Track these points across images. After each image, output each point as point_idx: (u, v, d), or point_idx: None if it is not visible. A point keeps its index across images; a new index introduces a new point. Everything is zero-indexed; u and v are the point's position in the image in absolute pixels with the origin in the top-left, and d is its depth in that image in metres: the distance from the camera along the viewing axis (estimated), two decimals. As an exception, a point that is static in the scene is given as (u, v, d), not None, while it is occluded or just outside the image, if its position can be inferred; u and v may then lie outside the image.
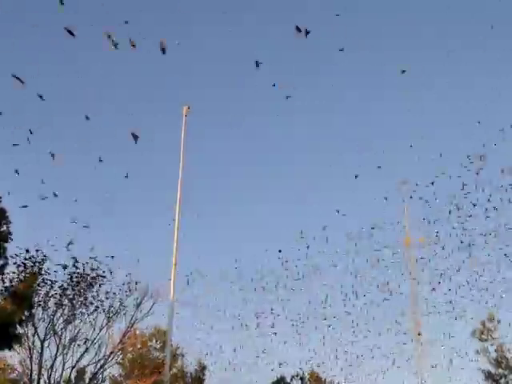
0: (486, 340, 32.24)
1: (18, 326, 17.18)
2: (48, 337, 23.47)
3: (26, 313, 19.59)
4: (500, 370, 32.13)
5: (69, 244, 22.10)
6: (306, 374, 45.45)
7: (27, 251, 22.69)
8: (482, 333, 32.15)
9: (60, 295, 23.86)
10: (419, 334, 37.25)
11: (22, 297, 17.15)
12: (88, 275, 24.28)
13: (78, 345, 24.18)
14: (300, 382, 45.46)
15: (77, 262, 23.92)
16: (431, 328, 37.04)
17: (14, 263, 22.08)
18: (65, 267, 23.69)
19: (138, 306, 25.30)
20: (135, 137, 16.07)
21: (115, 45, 13.69)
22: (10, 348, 17.42)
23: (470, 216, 30.46)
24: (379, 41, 58.65)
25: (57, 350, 23.48)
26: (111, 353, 24.96)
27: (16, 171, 19.91)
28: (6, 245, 16.85)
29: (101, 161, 20.73)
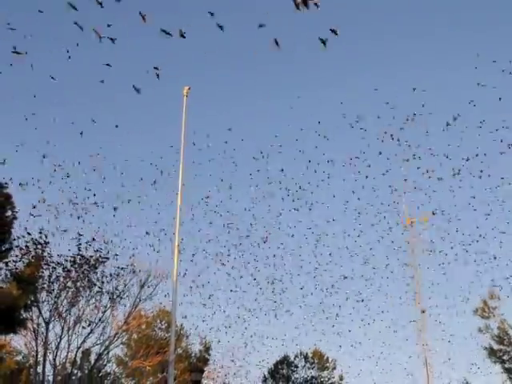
0: (487, 317, 32.41)
1: (22, 311, 17.28)
2: (53, 319, 23.58)
3: (31, 296, 19.69)
4: (502, 347, 32.37)
5: None
6: (309, 353, 45.90)
7: (29, 234, 22.77)
8: (484, 310, 32.31)
9: (64, 277, 23.94)
10: (423, 312, 37.41)
11: (27, 281, 17.22)
12: (91, 257, 24.37)
13: (83, 326, 24.31)
14: (303, 360, 45.95)
15: (80, 244, 24.01)
16: (434, 307, 37.20)
17: (17, 246, 22.16)
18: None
19: (141, 286, 25.42)
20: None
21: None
22: (16, 332, 17.53)
23: None
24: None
25: (62, 332, 23.61)
26: (116, 334, 25.10)
27: None
28: (11, 230, 16.90)
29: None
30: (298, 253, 33.11)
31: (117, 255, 24.95)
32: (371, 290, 34.65)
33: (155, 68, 14.54)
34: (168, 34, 13.38)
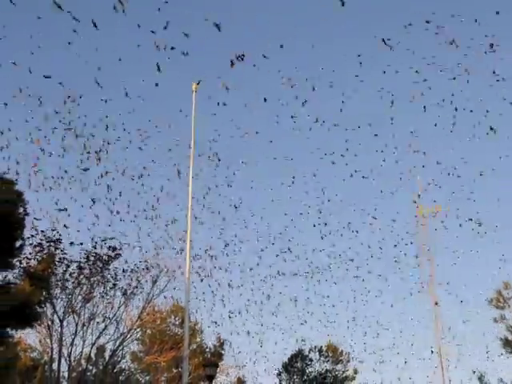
0: (502, 308, 32.20)
1: (36, 307, 17.37)
2: (67, 315, 23.71)
3: (45, 293, 19.80)
4: (518, 337, 32.17)
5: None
6: (324, 346, 45.83)
7: (42, 232, 22.89)
8: (499, 301, 32.11)
9: (77, 274, 24.05)
10: (436, 304, 37.23)
11: (40, 277, 17.33)
12: (105, 254, 24.46)
13: (97, 322, 24.44)
14: (318, 353, 45.88)
15: (93, 241, 24.12)
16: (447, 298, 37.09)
17: (30, 244, 22.29)
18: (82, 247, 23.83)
19: (154, 282, 25.49)
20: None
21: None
22: (31, 326, 17.65)
23: None
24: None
25: (76, 328, 23.74)
26: (130, 329, 25.19)
27: None
28: (23, 226, 16.98)
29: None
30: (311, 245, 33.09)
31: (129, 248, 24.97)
32: (384, 284, 34.60)
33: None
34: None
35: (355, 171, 27.11)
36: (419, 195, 30.59)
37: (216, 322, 32.04)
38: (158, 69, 16.07)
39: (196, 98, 27.27)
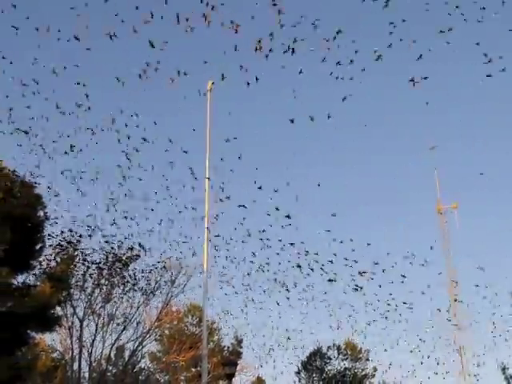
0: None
1: (57, 308, 17.51)
2: (87, 316, 23.88)
3: (65, 294, 19.92)
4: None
5: None
6: (342, 344, 45.69)
7: (62, 232, 23.04)
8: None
9: (97, 275, 24.19)
10: (455, 300, 36.99)
11: (60, 279, 17.44)
12: (123, 255, 24.57)
13: (117, 323, 24.58)
14: (336, 351, 45.76)
15: (112, 242, 24.23)
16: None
17: (50, 245, 22.46)
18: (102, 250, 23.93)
19: (172, 282, 25.58)
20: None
21: None
22: (51, 330, 17.80)
23: None
24: None
25: (96, 329, 23.91)
26: (149, 330, 25.31)
27: None
28: (43, 229, 17.15)
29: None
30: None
31: (146, 251, 25.01)
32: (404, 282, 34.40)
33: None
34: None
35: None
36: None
37: (231, 314, 32.07)
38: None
39: (211, 97, 27.21)
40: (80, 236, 23.34)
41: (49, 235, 22.11)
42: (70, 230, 23.20)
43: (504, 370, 34.64)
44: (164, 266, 25.44)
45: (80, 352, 23.16)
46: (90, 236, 23.34)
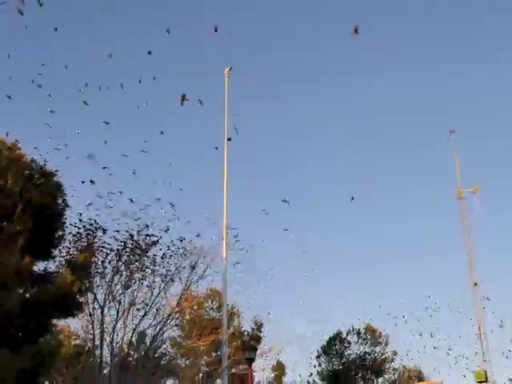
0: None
1: (78, 296, 17.65)
2: (107, 302, 23.98)
3: (86, 282, 20.05)
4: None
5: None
6: (362, 328, 45.72)
7: (80, 221, 23.13)
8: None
9: (116, 261, 24.27)
10: (475, 284, 36.78)
11: (81, 266, 17.57)
12: (142, 240, 24.62)
13: (137, 309, 24.66)
14: (356, 336, 45.80)
15: (131, 230, 24.31)
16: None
17: (70, 233, 22.56)
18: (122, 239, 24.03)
19: (192, 268, 25.59)
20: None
21: None
22: (74, 316, 17.97)
23: None
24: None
25: (117, 315, 23.99)
26: (169, 315, 25.39)
27: None
28: (63, 218, 17.25)
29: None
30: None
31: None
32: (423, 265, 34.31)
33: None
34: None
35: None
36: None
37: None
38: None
39: (229, 83, 27.12)
40: (98, 224, 23.48)
41: (70, 225, 22.33)
42: (89, 218, 23.34)
43: None
44: (184, 253, 25.48)
45: (101, 338, 23.28)
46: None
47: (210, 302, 34.70)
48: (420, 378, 45.97)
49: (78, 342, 26.79)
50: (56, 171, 17.62)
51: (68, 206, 17.50)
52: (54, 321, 17.52)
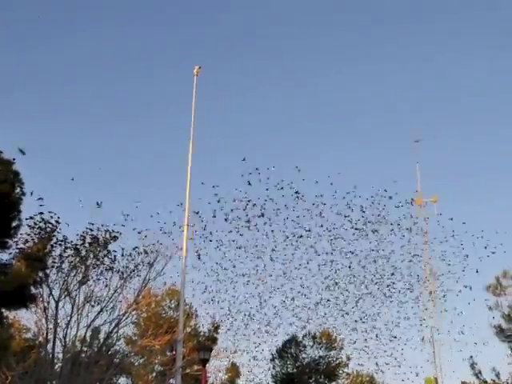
0: (499, 295, 32.15)
1: (32, 288, 17.32)
2: (62, 297, 23.62)
3: (40, 274, 19.72)
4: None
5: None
6: (318, 333, 45.92)
7: (41, 213, 22.77)
8: (496, 288, 32.03)
9: (73, 256, 23.95)
10: (431, 293, 37.40)
11: (36, 258, 17.26)
12: (101, 237, 24.38)
13: (92, 305, 24.36)
14: (312, 340, 45.97)
15: (91, 224, 24.08)
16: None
17: (28, 225, 22.17)
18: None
19: (150, 265, 25.40)
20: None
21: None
22: (27, 307, 17.63)
23: None
24: None
25: (72, 310, 23.65)
26: (125, 312, 25.14)
27: None
28: (20, 207, 16.88)
29: None
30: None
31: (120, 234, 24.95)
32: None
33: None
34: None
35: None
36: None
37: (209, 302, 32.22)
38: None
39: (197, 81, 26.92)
40: (58, 217, 23.16)
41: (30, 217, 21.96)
42: (49, 211, 23.01)
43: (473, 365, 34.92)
44: (143, 250, 25.32)
45: (54, 333, 22.90)
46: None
47: (168, 300, 34.42)
48: (372, 383, 46.50)
49: (29, 336, 26.31)
50: (14, 159, 17.25)
51: (25, 195, 17.13)
52: (6, 313, 17.12)
